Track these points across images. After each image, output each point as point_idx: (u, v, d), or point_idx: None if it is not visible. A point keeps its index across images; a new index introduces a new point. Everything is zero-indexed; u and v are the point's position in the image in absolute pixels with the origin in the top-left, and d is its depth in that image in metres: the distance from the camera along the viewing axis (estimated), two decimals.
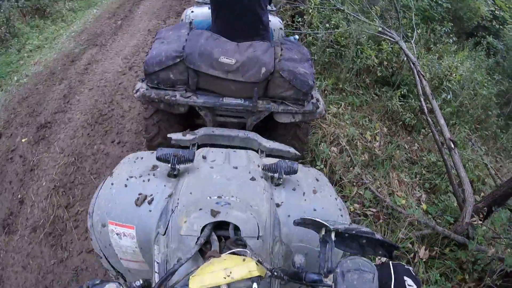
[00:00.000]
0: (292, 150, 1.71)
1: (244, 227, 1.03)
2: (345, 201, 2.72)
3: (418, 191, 3.29)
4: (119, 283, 0.73)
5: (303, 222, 0.91)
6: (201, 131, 1.72)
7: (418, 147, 3.94)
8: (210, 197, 1.10)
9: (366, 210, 2.74)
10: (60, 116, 3.61)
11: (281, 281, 0.87)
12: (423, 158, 3.77)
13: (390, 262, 0.81)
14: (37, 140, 3.41)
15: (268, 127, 2.61)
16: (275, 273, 0.87)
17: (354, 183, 2.89)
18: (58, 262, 2.47)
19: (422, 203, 3.16)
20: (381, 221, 2.73)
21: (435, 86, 4.73)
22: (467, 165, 3.82)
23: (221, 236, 1.04)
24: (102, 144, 3.11)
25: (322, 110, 2.27)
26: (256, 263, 0.82)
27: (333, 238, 0.83)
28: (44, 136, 3.41)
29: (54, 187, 2.84)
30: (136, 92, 2.11)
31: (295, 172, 1.26)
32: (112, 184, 1.22)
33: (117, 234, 1.16)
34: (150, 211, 1.15)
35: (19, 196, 2.94)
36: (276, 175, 1.25)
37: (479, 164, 4.17)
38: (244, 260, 0.84)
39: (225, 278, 0.78)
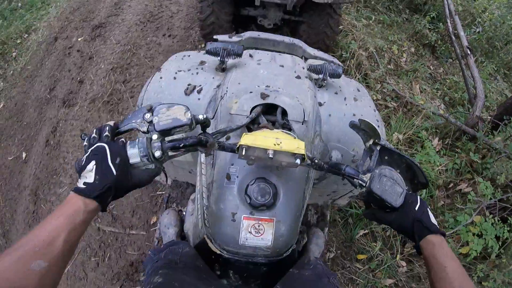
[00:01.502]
0: (336, 60, 1.67)
1: (291, 111, 1.07)
2: (369, 91, 3.01)
3: (438, 101, 3.52)
4: (186, 106, 0.80)
5: (358, 125, 0.91)
6: (246, 34, 1.73)
7: (443, 71, 4.12)
8: (258, 86, 1.15)
9: (387, 103, 3.04)
10: (113, 18, 3.98)
11: (320, 170, 0.93)
12: (447, 80, 3.96)
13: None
14: (93, 37, 3.81)
15: (303, 17, 2.94)
16: (316, 161, 0.91)
17: (379, 82, 3.17)
18: None
19: (440, 110, 3.41)
20: (400, 113, 3.03)
21: (466, 23, 4.79)
22: (488, 95, 3.98)
23: (269, 120, 1.09)
24: (154, 36, 3.49)
25: None
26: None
27: (378, 150, 0.88)
28: (100, 34, 3.81)
29: (112, 68, 3.26)
30: None
31: (339, 75, 1.25)
32: (161, 77, 1.26)
33: None
34: (199, 99, 1.20)
35: (78, 78, 3.38)
36: (320, 76, 1.26)
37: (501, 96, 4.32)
38: (294, 138, 0.88)
39: (275, 145, 0.82)
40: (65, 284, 2.24)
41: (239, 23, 3.10)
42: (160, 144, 0.77)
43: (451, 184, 2.84)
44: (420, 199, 0.84)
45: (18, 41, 4.26)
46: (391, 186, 0.80)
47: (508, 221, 2.19)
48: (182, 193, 2.30)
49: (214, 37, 1.66)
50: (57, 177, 2.69)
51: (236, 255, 0.97)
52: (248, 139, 0.83)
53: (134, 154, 0.74)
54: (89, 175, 0.68)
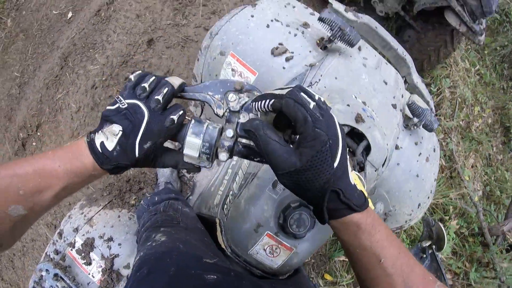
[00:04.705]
0: (432, 103, 1.43)
1: (375, 153, 0.92)
2: None
3: (479, 185, 3.20)
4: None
5: (431, 224, 0.84)
6: (364, 19, 1.43)
7: (501, 159, 3.74)
8: (355, 97, 0.96)
9: None
10: None
11: None
12: (499, 171, 3.61)
13: None
14: None
15: (418, 24, 2.52)
16: None
17: (444, 133, 2.82)
18: (174, 25, 2.48)
19: (476, 196, 3.12)
20: (443, 176, 2.72)
21: None
22: None
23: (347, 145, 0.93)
24: None
25: (480, 41, 2.21)
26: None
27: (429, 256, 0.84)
28: None
29: None
30: None
31: (431, 130, 1.07)
32: (252, 16, 1.07)
33: (233, 70, 1.04)
34: (284, 68, 1.00)
35: None
36: (415, 119, 1.05)
37: None
38: (369, 198, 0.74)
39: None
40: None
41: None
42: (232, 145, 0.56)
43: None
44: None
45: None
46: None
47: None
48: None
49: (330, 0, 1.34)
50: (93, 52, 2.40)
51: (238, 257, 0.91)
52: None
53: (194, 145, 0.55)
54: (110, 138, 0.54)
